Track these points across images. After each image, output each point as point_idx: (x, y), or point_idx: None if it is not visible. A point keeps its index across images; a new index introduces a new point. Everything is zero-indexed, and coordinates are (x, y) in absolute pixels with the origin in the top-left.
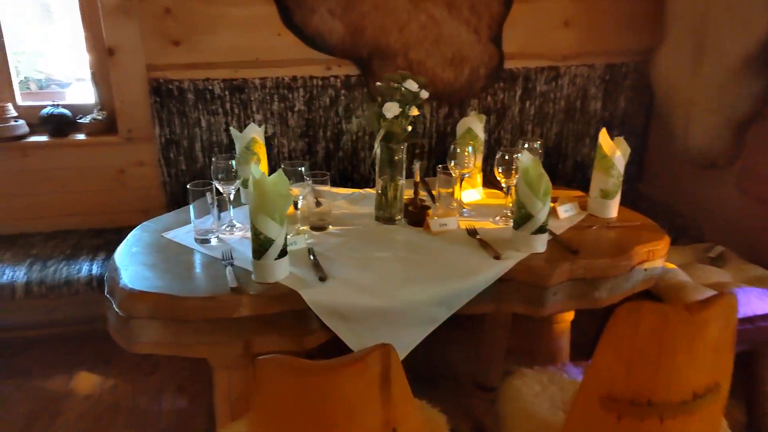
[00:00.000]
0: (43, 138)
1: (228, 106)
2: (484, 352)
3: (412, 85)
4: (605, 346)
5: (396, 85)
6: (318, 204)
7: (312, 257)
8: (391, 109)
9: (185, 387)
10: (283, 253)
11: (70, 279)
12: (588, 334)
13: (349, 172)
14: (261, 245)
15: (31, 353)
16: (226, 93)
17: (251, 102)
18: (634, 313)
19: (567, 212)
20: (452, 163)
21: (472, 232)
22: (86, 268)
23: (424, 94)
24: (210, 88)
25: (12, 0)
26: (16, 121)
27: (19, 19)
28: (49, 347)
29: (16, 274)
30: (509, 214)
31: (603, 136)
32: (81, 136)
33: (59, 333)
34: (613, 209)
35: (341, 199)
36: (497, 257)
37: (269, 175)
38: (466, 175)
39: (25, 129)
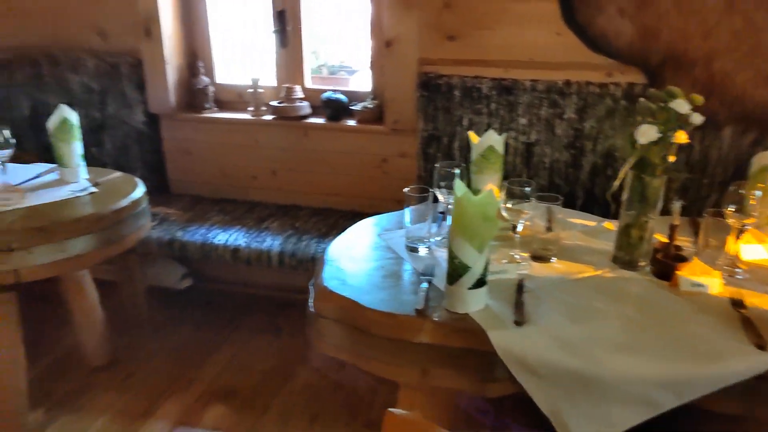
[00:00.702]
0: (321, 120)
1: (493, 106)
2: None
3: (681, 105)
4: None
5: (660, 104)
6: (548, 230)
7: (519, 293)
8: (647, 134)
9: None
10: (480, 282)
11: (317, 256)
12: None
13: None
14: (455, 270)
15: (288, 314)
16: (494, 93)
17: (518, 105)
18: None
19: None
20: (731, 209)
21: (736, 303)
22: None
23: (697, 119)
24: (478, 86)
25: None
26: (301, 102)
27: (320, 8)
28: (303, 312)
29: (274, 243)
30: None
31: None
32: (352, 122)
33: None
34: None
35: (579, 229)
36: (762, 346)
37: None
38: (749, 227)
39: (308, 110)
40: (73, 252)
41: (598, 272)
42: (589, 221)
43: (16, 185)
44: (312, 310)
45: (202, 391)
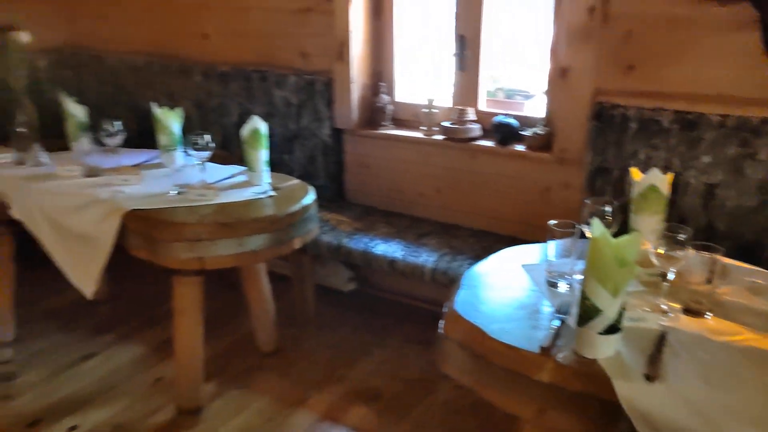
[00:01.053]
0: (490, 143)
1: (672, 142)
2: None
3: None
4: None
5: None
6: (708, 282)
7: (658, 345)
8: None
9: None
10: (612, 329)
11: None
12: None
13: None
14: (586, 312)
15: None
16: (675, 127)
17: (701, 142)
18: None
19: None
20: None
21: None
22: None
23: None
24: (657, 119)
25: (499, 17)
26: (472, 125)
27: (502, 33)
28: None
29: (428, 259)
30: None
31: None
32: (520, 148)
33: None
34: None
35: (746, 285)
36: None
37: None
38: None
39: (478, 133)
40: (249, 247)
41: (757, 336)
42: (762, 279)
43: (211, 183)
44: (441, 331)
45: (349, 389)
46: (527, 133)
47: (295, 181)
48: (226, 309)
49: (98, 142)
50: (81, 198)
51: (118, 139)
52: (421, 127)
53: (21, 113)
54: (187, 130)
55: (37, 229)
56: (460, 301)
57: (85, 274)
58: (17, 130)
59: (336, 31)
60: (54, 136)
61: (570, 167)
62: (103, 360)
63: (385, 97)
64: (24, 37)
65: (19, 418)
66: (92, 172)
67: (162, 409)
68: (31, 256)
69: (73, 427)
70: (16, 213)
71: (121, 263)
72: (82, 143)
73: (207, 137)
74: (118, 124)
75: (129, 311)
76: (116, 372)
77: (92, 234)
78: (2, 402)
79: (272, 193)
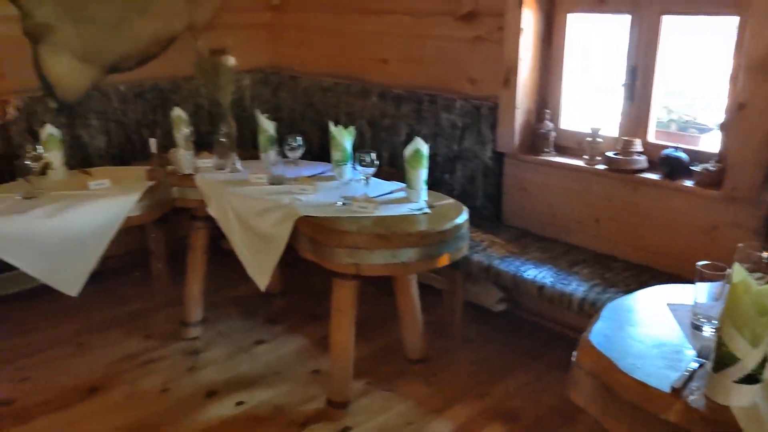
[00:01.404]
0: (654, 176)
1: None
2: None
3: None
4: None
5: None
6: None
7: None
8: None
9: None
10: (751, 379)
11: None
12: None
13: None
14: (722, 358)
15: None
16: None
17: None
18: None
19: None
20: None
21: None
22: None
23: None
24: None
25: (676, 48)
26: (638, 156)
27: (678, 64)
28: None
29: (578, 288)
30: None
31: None
32: (688, 183)
33: None
34: None
35: None
36: None
37: None
38: None
39: (644, 165)
40: (400, 259)
41: None
42: None
43: (373, 197)
44: (573, 359)
45: (489, 406)
46: (697, 168)
47: (450, 201)
48: (380, 314)
49: (283, 154)
50: (266, 202)
51: (299, 153)
52: (583, 156)
53: (224, 125)
54: (360, 146)
55: (227, 226)
56: (596, 332)
57: (260, 269)
58: (220, 139)
59: (504, 59)
60: (249, 147)
61: (741, 207)
62: (272, 347)
63: (549, 124)
64: (231, 60)
65: (199, 388)
66: (276, 180)
67: (315, 398)
68: (220, 249)
69: (241, 402)
70: (212, 211)
71: (294, 262)
72: (270, 154)
73: (373, 155)
74: (299, 139)
75: (297, 306)
76: (281, 359)
77: (271, 234)
78: (189, 372)
79: (427, 210)
